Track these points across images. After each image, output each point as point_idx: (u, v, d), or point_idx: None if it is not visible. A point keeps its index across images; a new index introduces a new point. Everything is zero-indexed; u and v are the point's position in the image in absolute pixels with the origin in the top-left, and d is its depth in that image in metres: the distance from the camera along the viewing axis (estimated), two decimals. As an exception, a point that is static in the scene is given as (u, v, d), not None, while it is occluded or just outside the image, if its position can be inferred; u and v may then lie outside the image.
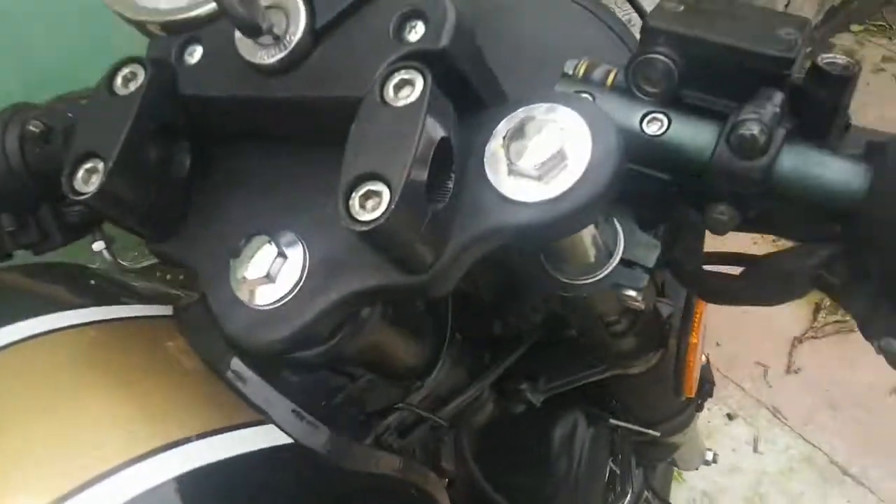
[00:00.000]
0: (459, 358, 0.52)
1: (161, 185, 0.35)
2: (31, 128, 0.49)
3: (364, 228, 0.27)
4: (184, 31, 0.36)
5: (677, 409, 0.71)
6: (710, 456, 1.13)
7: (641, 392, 0.64)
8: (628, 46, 0.48)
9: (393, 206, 0.27)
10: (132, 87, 0.34)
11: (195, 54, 0.35)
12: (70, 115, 0.50)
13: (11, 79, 1.43)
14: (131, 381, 0.35)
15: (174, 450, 0.33)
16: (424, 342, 0.47)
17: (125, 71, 0.35)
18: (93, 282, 0.43)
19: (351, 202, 0.28)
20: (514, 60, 0.46)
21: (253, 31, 0.31)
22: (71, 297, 0.40)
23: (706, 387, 0.73)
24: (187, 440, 0.33)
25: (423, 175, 0.28)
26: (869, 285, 0.32)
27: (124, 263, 0.57)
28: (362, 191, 0.28)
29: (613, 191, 0.30)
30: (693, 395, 0.57)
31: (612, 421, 0.74)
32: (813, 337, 1.86)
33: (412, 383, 0.48)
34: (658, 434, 0.74)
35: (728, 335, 1.85)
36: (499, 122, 0.31)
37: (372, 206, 0.28)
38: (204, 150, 0.38)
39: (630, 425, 0.73)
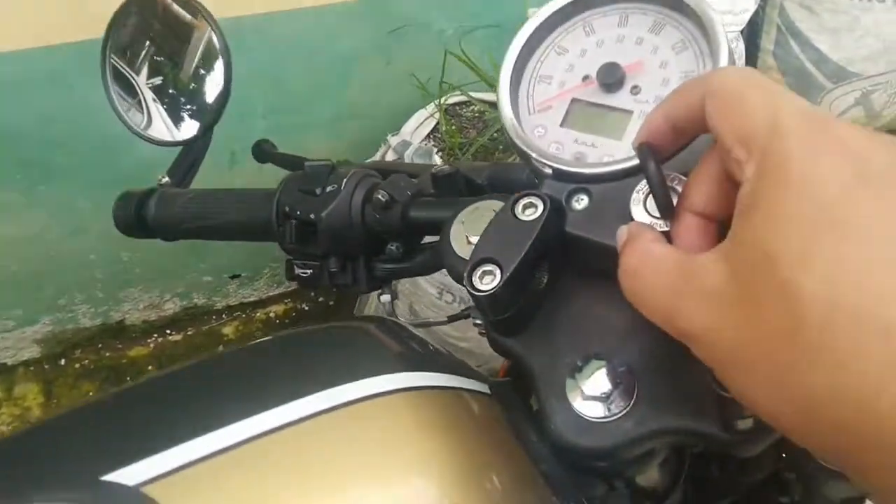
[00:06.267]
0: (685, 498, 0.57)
1: (526, 294, 0.43)
2: (379, 197, 0.59)
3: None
4: (571, 181, 0.43)
5: None
6: None
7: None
8: None
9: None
10: (531, 215, 0.41)
11: (581, 202, 0.43)
12: (409, 192, 0.60)
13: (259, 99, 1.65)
14: (456, 448, 0.41)
15: None
16: (666, 474, 0.52)
17: (525, 200, 0.42)
18: (414, 344, 0.50)
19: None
20: None
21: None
22: (410, 357, 0.48)
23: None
24: None
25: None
26: None
27: (401, 320, 0.66)
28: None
29: None
30: None
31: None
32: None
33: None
34: None
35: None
36: None
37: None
38: (557, 270, 0.45)
39: None
